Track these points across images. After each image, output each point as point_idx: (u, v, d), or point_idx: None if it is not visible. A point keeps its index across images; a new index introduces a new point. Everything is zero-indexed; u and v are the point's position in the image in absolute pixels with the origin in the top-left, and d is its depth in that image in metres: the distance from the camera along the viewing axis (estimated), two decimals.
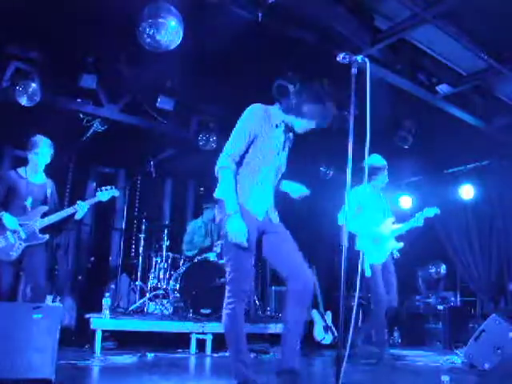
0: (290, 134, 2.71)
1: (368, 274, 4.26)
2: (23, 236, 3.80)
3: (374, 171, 4.44)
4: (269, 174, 2.61)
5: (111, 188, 4.22)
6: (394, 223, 4.50)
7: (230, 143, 2.53)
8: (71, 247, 6.92)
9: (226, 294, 2.54)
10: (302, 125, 2.63)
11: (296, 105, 2.56)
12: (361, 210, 4.42)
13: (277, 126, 2.58)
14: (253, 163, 2.56)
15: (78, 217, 4.04)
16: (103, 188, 4.19)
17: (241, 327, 2.50)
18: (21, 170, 4.02)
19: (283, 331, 2.60)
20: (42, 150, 4.00)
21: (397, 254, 4.55)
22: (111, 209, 7.45)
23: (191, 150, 6.52)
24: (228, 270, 2.56)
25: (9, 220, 3.76)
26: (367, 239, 4.36)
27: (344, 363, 2.20)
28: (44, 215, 3.93)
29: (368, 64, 2.18)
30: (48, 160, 4.07)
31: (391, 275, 4.40)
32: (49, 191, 4.08)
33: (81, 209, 3.99)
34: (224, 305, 2.54)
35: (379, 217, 4.48)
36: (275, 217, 2.70)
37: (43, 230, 3.91)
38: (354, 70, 2.20)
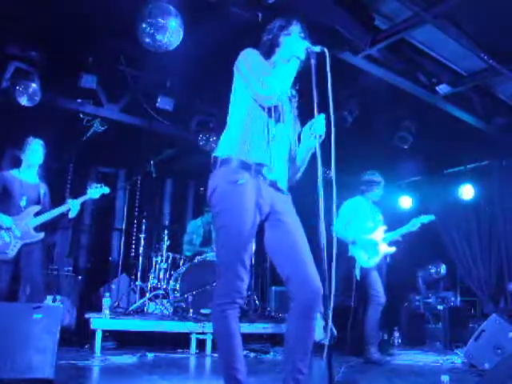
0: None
1: (358, 277, 4.55)
2: (18, 234, 3.84)
3: (370, 185, 4.80)
4: (276, 124, 2.17)
5: (101, 186, 4.31)
6: (386, 231, 4.76)
7: (254, 75, 2.08)
8: (71, 247, 6.93)
9: (215, 293, 2.07)
10: None
11: None
12: (353, 219, 4.75)
13: (273, 63, 2.24)
14: (251, 110, 2.14)
15: (71, 215, 4.09)
16: (93, 185, 4.29)
17: (235, 334, 2.01)
18: (14, 171, 4.09)
19: (285, 348, 2.13)
20: (33, 149, 4.07)
21: (388, 259, 4.85)
22: (111, 209, 7.45)
23: (191, 150, 6.52)
24: (218, 262, 2.12)
25: (2, 218, 3.80)
26: (358, 246, 4.64)
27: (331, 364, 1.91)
28: (37, 214, 3.98)
29: (328, 54, 2.09)
30: (40, 160, 4.13)
31: (381, 277, 4.69)
32: (42, 192, 4.13)
33: (73, 206, 4.04)
34: (212, 306, 2.06)
35: (370, 226, 4.75)
36: (285, 184, 2.19)
37: (38, 229, 3.95)
38: (312, 61, 2.13)
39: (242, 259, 2.02)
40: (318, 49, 2.12)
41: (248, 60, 2.16)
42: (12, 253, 3.80)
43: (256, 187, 2.06)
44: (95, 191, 4.25)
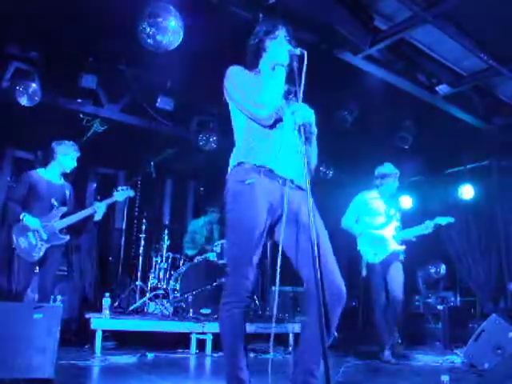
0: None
1: (364, 274, 4.56)
2: (44, 237, 3.80)
3: (382, 177, 4.68)
4: (282, 128, 2.18)
5: (127, 188, 4.34)
6: (399, 228, 4.67)
7: (244, 100, 2.12)
8: (72, 247, 6.92)
9: (224, 292, 2.08)
10: None
11: None
12: (362, 213, 4.67)
13: (258, 71, 2.28)
14: (251, 121, 2.16)
15: (97, 218, 4.08)
16: (119, 188, 4.30)
17: (241, 333, 2.03)
18: (40, 171, 4.02)
19: (298, 349, 2.08)
20: (73, 156, 4.06)
21: (401, 256, 4.71)
22: (111, 209, 7.43)
23: (191, 150, 6.52)
24: (227, 261, 2.15)
25: (30, 220, 3.76)
26: (366, 240, 4.59)
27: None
28: (63, 216, 3.94)
29: (306, 55, 2.11)
30: (75, 165, 4.13)
31: (396, 273, 4.60)
32: (67, 193, 4.10)
33: (99, 209, 4.03)
34: (220, 305, 2.06)
35: (381, 221, 4.65)
36: (302, 180, 2.08)
37: (63, 231, 3.92)
38: (295, 64, 2.13)
39: (251, 258, 2.03)
40: (298, 51, 2.16)
41: (235, 83, 2.19)
42: (37, 255, 3.77)
43: (268, 188, 2.07)
44: (121, 193, 4.25)
